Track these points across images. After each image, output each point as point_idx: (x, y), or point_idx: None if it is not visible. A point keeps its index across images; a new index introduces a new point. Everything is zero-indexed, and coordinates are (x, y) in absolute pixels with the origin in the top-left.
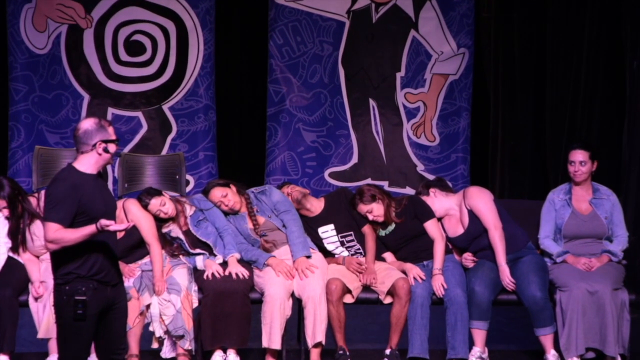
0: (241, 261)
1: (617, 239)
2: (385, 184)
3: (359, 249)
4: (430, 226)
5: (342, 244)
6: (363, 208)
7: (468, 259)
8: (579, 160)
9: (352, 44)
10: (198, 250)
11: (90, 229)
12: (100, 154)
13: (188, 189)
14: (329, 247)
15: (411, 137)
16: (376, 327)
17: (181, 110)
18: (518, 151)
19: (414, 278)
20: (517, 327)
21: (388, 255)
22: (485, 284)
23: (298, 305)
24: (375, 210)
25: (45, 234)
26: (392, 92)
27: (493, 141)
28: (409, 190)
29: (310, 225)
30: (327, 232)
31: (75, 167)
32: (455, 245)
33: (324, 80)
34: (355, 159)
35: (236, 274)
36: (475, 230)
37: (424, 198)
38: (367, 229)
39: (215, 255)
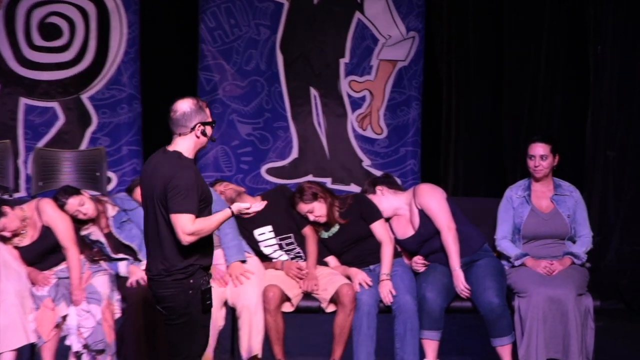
0: None
1: (580, 239)
2: (328, 181)
3: (299, 252)
4: (378, 227)
5: (281, 247)
6: (304, 208)
7: (418, 263)
8: (540, 154)
9: (292, 28)
10: (121, 255)
11: (225, 214)
12: (198, 137)
13: (110, 187)
14: (266, 251)
15: (356, 130)
16: (318, 338)
17: (102, 101)
18: (473, 145)
19: (360, 284)
20: (472, 337)
21: (331, 260)
22: (437, 290)
23: (232, 315)
24: (317, 210)
25: (184, 226)
26: (335, 80)
27: (446, 134)
28: (354, 188)
29: (246, 227)
30: (264, 235)
31: (181, 152)
32: (404, 248)
33: (260, 67)
34: (295, 154)
35: None
36: (427, 231)
37: (371, 197)
38: (308, 231)
39: (140, 261)
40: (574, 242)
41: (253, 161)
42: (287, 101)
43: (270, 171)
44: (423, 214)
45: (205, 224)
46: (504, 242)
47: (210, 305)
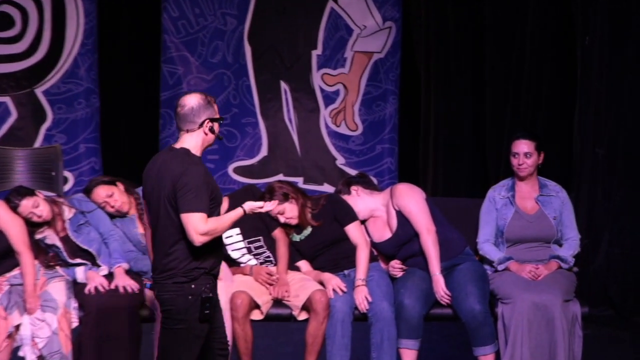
0: (130, 272)
1: (567, 242)
2: (299, 181)
3: (269, 256)
4: (352, 230)
5: (249, 250)
6: (273, 209)
7: (396, 267)
8: (524, 152)
9: (260, 17)
10: (78, 260)
11: (237, 214)
12: (206, 134)
13: (66, 187)
14: (234, 255)
15: (330, 126)
16: (289, 347)
17: (58, 95)
18: (453, 142)
19: (333, 290)
20: (452, 347)
21: (303, 264)
22: (415, 296)
23: None
24: (288, 211)
25: (196, 226)
26: (307, 74)
27: (424, 130)
28: (328, 188)
29: None
30: (232, 238)
31: (189, 149)
32: (381, 252)
33: (227, 59)
34: (264, 152)
35: (124, 288)
36: (405, 234)
37: (345, 197)
38: (278, 234)
39: (98, 266)
40: (560, 245)
41: (219, 160)
42: (255, 96)
43: (237, 170)
44: (401, 216)
45: (218, 223)
46: (487, 246)
47: (209, 316)
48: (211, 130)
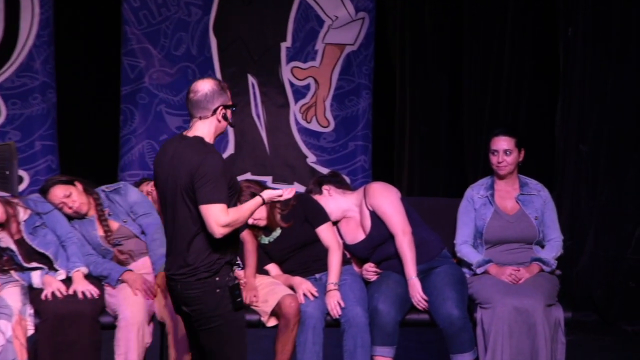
0: (89, 277)
1: (549, 243)
2: (268, 180)
3: (236, 260)
4: (324, 231)
5: None
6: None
7: (370, 270)
8: (503, 149)
9: (226, 8)
10: (34, 264)
11: (256, 202)
12: (219, 121)
13: (21, 187)
14: None
15: (300, 122)
16: (258, 356)
17: (11, 90)
18: (430, 139)
19: (304, 295)
20: (429, 354)
21: (272, 268)
22: (390, 301)
23: (161, 330)
24: (256, 212)
25: (217, 218)
26: (275, 67)
27: (400, 127)
28: (298, 188)
29: None
30: None
31: (202, 137)
32: (354, 254)
33: (191, 51)
34: (231, 149)
35: (83, 293)
36: (379, 235)
37: (316, 197)
38: (245, 236)
39: (56, 270)
40: (542, 246)
41: None
42: None
43: None
44: (375, 216)
45: (239, 214)
46: (465, 248)
47: (242, 303)
48: (224, 117)
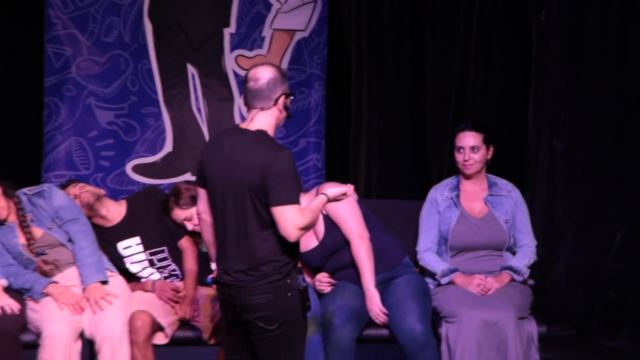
0: (9, 290)
1: (521, 250)
2: None
3: (174, 270)
4: None
5: (152, 263)
6: (180, 214)
7: (323, 281)
8: (470, 146)
9: None
10: None
11: (322, 201)
12: (280, 112)
13: None
14: (133, 269)
15: (245, 117)
16: None
17: None
18: (389, 134)
19: None
20: None
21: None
22: (346, 315)
23: (90, 348)
24: (197, 217)
25: (294, 220)
26: (218, 55)
27: (356, 122)
28: None
29: (107, 239)
30: (131, 248)
31: (265, 131)
32: (306, 263)
33: (124, 38)
34: (169, 147)
35: (2, 308)
36: (333, 242)
37: None
38: (185, 244)
39: None
40: (513, 253)
41: (116, 157)
42: (158, 81)
43: (137, 169)
44: (329, 221)
45: (311, 215)
46: (428, 255)
47: (309, 308)
48: (285, 107)
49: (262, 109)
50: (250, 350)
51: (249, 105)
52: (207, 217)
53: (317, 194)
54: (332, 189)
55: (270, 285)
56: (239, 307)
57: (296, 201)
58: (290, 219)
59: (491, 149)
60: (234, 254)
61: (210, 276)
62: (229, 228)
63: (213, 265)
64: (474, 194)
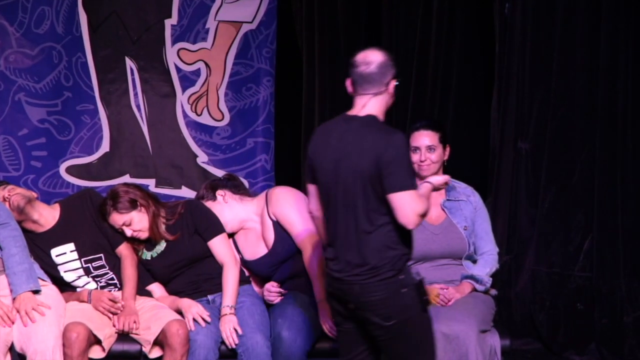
0: None
1: (482, 258)
2: (150, 184)
3: (112, 278)
4: (218, 245)
5: (87, 271)
6: (118, 219)
7: (273, 291)
8: (426, 145)
9: None
10: None
11: (428, 188)
12: (390, 96)
13: None
14: (68, 277)
15: (188, 115)
16: None
17: None
18: None
19: (194, 320)
20: None
21: (156, 288)
22: (297, 327)
23: None
24: (136, 222)
25: (415, 206)
26: (159, 49)
27: (307, 120)
28: (187, 193)
29: (39, 245)
30: (65, 255)
31: (376, 116)
32: (254, 272)
33: (56, 29)
34: (105, 147)
35: None
36: (283, 250)
37: (209, 204)
38: (124, 250)
39: None
40: (474, 261)
41: (48, 157)
42: (94, 76)
43: (71, 170)
44: (279, 227)
45: (425, 201)
46: None
47: (429, 302)
48: (395, 91)
49: (375, 94)
50: (370, 349)
51: (357, 91)
52: (319, 214)
53: (266, 199)
54: (436, 177)
55: (383, 282)
56: (352, 304)
57: (414, 186)
58: (410, 204)
59: (448, 149)
60: (345, 248)
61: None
62: (339, 221)
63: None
64: (431, 199)
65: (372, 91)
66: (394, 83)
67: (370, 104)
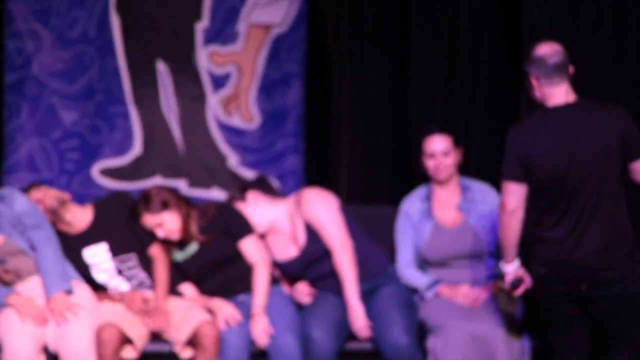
0: None
1: None
2: (182, 185)
3: (144, 279)
4: (249, 246)
5: (120, 272)
6: (150, 220)
7: (303, 292)
8: (441, 151)
9: None
10: None
11: None
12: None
13: None
14: (100, 277)
15: (219, 117)
16: None
17: None
18: (372, 136)
19: (226, 321)
20: None
21: (187, 288)
22: (327, 327)
23: None
24: (168, 223)
25: None
26: (190, 52)
27: (337, 123)
28: (218, 194)
29: (72, 247)
30: (98, 256)
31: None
32: (284, 273)
33: (89, 33)
34: (137, 149)
35: None
36: (314, 251)
37: (240, 205)
38: (156, 251)
39: None
40: (499, 257)
41: (81, 159)
42: (125, 79)
43: (105, 172)
44: (309, 229)
45: None
46: (409, 271)
47: None
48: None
49: (568, 79)
50: (589, 331)
51: (551, 83)
52: (520, 214)
53: (296, 201)
54: None
55: (623, 259)
56: (586, 284)
57: None
58: None
59: (461, 151)
60: (587, 234)
61: (510, 278)
62: (579, 208)
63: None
64: (447, 202)
65: (567, 77)
66: (572, 67)
67: (570, 88)
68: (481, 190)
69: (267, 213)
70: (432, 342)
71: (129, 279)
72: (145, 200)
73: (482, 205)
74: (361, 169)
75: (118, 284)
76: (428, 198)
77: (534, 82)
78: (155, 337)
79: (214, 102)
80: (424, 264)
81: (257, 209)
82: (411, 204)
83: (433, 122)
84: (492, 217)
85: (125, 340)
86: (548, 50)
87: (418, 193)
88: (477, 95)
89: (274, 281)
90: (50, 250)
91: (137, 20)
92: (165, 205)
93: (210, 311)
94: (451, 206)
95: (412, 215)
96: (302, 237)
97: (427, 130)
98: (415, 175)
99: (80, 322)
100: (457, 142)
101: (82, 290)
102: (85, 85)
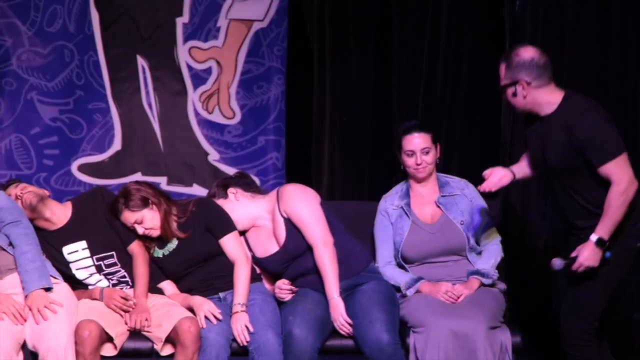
0: None
1: (486, 249)
2: (162, 182)
3: (124, 276)
4: (229, 243)
5: (99, 269)
6: (130, 217)
7: (284, 288)
8: (421, 149)
9: None
10: None
11: None
12: None
13: None
14: (80, 275)
15: (200, 113)
16: None
17: None
18: (354, 131)
19: (205, 318)
20: None
21: (167, 285)
22: (308, 324)
23: None
24: (148, 220)
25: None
26: (170, 47)
27: (318, 117)
28: (198, 191)
29: (51, 243)
30: (77, 253)
31: None
32: (265, 269)
33: (68, 28)
34: (117, 145)
35: None
36: (295, 247)
37: (220, 202)
38: (135, 248)
39: None
40: (479, 253)
41: (60, 155)
42: (105, 75)
43: (83, 168)
44: (290, 225)
45: None
46: (389, 269)
47: None
48: None
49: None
50: None
51: (543, 83)
52: None
53: (277, 197)
54: None
55: None
56: None
57: None
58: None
59: (439, 147)
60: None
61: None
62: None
63: None
64: (426, 198)
65: (551, 75)
66: None
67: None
68: (459, 185)
69: (248, 209)
70: (413, 339)
71: (108, 276)
72: (125, 196)
73: (461, 200)
74: (343, 165)
75: (98, 281)
76: (407, 195)
77: (521, 89)
78: (135, 334)
79: (194, 98)
80: (403, 261)
81: (238, 205)
82: (389, 202)
83: (412, 119)
84: (471, 212)
85: (105, 338)
86: (533, 52)
87: (396, 190)
88: (459, 91)
89: (255, 278)
90: (29, 247)
91: (117, 15)
92: (145, 202)
93: (191, 308)
94: (430, 202)
95: (390, 214)
96: (282, 234)
97: (406, 127)
98: (397, 171)
99: (59, 319)
100: (435, 138)
101: (61, 287)
102: (65, 81)
